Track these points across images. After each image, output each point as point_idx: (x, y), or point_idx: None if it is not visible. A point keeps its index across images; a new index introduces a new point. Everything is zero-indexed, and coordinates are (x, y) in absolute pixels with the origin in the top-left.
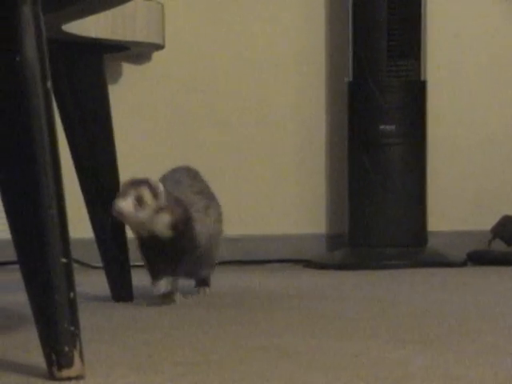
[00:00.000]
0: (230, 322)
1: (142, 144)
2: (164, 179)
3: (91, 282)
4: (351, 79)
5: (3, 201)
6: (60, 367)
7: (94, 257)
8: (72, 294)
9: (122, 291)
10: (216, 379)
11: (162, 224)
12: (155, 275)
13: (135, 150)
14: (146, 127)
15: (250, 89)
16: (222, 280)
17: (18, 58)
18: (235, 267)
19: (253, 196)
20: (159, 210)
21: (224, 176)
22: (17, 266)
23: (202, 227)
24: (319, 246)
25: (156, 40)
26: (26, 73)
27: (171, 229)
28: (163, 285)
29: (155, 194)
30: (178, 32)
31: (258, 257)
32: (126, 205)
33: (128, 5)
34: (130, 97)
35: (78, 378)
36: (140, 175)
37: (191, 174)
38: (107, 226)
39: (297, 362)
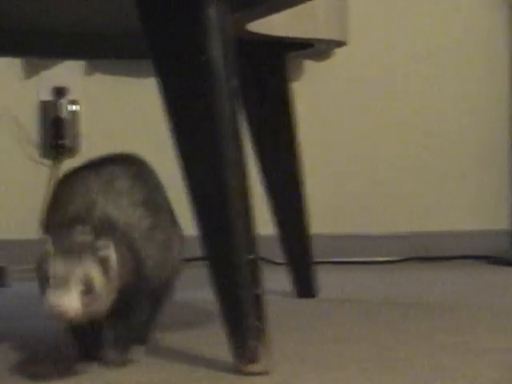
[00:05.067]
0: (412, 319)
1: (324, 139)
2: (87, 176)
3: (274, 279)
4: None
5: (191, 198)
6: (246, 362)
7: (277, 253)
8: (258, 290)
9: (305, 287)
10: (402, 376)
11: (111, 296)
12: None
13: (317, 145)
14: (327, 123)
15: (431, 84)
16: (403, 277)
17: (203, 58)
18: (417, 264)
19: (435, 192)
20: (111, 286)
21: (403, 172)
22: (203, 263)
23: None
24: (502, 242)
25: (338, 37)
26: (212, 72)
27: (119, 294)
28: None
29: (106, 268)
30: (360, 28)
31: (439, 253)
32: (69, 301)
33: (310, 2)
34: (311, 94)
35: (264, 373)
36: (325, 172)
37: (131, 171)
38: (290, 222)
39: (484, 360)
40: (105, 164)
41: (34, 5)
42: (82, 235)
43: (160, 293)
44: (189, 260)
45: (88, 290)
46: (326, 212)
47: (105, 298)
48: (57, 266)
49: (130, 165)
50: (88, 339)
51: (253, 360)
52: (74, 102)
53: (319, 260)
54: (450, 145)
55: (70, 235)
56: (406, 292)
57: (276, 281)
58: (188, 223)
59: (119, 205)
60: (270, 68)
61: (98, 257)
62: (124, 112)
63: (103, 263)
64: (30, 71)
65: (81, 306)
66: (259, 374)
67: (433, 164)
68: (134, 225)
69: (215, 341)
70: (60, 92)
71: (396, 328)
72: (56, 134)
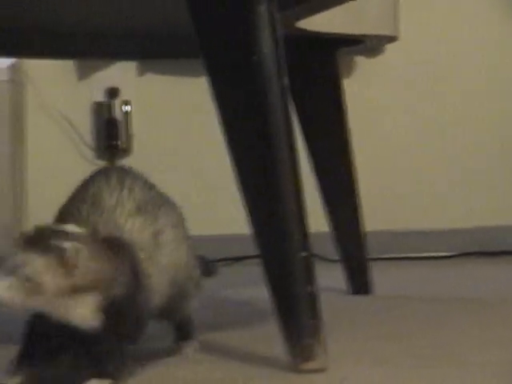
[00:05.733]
0: (468, 314)
1: (376, 135)
2: (79, 202)
3: (328, 276)
4: None
5: (243, 197)
6: (302, 360)
7: (332, 250)
8: (312, 288)
9: (359, 284)
10: (453, 372)
11: (83, 312)
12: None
13: (369, 142)
14: (379, 119)
15: (486, 79)
16: (459, 272)
17: (255, 57)
18: (473, 259)
19: (489, 187)
20: (74, 290)
21: (456, 168)
22: (257, 261)
23: (156, 274)
24: None
25: (389, 32)
26: (263, 71)
27: (102, 314)
28: None
29: (66, 266)
30: (411, 23)
31: (495, 248)
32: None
33: None
34: (363, 90)
35: (320, 370)
36: (378, 169)
37: (120, 180)
38: (344, 220)
39: None
40: (95, 181)
41: (86, 6)
42: (51, 231)
43: (176, 294)
44: (243, 258)
45: (31, 281)
46: (381, 208)
47: (54, 292)
48: (15, 257)
49: (118, 176)
50: (45, 344)
51: (308, 358)
52: (126, 103)
53: (374, 257)
54: (504, 139)
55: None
56: (462, 287)
57: (331, 278)
58: (241, 222)
59: (112, 218)
60: (320, 65)
61: (55, 249)
62: (176, 111)
63: (60, 256)
64: (83, 73)
65: (11, 295)
66: (315, 371)
67: (485, 160)
68: (135, 236)
69: (270, 339)
70: (113, 93)
71: (453, 324)
72: (109, 134)
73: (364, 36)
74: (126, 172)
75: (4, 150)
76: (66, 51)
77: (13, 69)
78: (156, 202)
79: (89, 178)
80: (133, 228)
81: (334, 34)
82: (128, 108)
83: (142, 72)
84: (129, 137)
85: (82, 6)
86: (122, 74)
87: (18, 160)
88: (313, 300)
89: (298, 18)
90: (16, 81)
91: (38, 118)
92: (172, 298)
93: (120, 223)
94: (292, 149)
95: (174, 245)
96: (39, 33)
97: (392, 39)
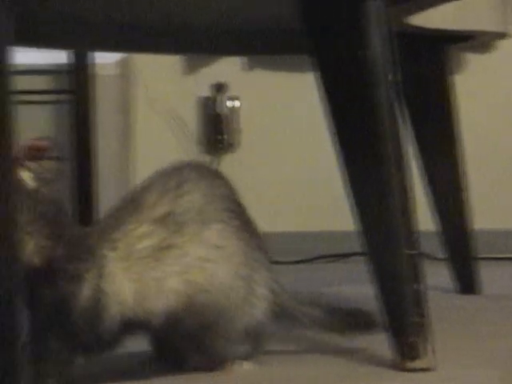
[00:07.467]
0: None
1: (487, 132)
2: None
3: (434, 274)
4: None
5: (351, 193)
6: (408, 358)
7: (438, 248)
8: (419, 286)
9: (466, 283)
10: None
11: None
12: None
13: (481, 139)
14: (491, 117)
15: None
16: None
17: (362, 52)
18: None
19: None
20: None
21: None
22: (363, 258)
23: (129, 283)
24: None
25: (500, 29)
26: (371, 67)
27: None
28: None
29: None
30: None
31: None
32: None
33: None
34: (474, 87)
35: (427, 369)
36: (488, 167)
37: (179, 183)
38: (452, 218)
39: None
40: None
41: (193, 3)
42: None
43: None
44: (349, 255)
45: None
46: (491, 206)
47: None
48: None
49: (182, 179)
50: None
51: (413, 356)
52: (233, 98)
53: (484, 256)
54: None
55: None
56: None
57: (438, 277)
58: (348, 218)
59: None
60: (430, 62)
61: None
62: (284, 107)
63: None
64: (190, 67)
65: None
66: (421, 370)
67: None
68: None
69: (375, 336)
70: (219, 88)
71: None
72: (215, 129)
73: (475, 32)
74: (198, 175)
75: (113, 144)
76: (175, 46)
77: (121, 63)
78: (200, 217)
79: (165, 170)
80: (133, 231)
81: (444, 30)
82: (235, 103)
83: (250, 67)
84: (236, 132)
85: (190, 2)
86: (229, 69)
87: (126, 154)
88: (419, 298)
89: (408, 14)
90: (124, 75)
91: (146, 112)
92: (184, 325)
93: (124, 220)
94: (400, 146)
95: (195, 266)
96: (148, 29)
97: (503, 36)
